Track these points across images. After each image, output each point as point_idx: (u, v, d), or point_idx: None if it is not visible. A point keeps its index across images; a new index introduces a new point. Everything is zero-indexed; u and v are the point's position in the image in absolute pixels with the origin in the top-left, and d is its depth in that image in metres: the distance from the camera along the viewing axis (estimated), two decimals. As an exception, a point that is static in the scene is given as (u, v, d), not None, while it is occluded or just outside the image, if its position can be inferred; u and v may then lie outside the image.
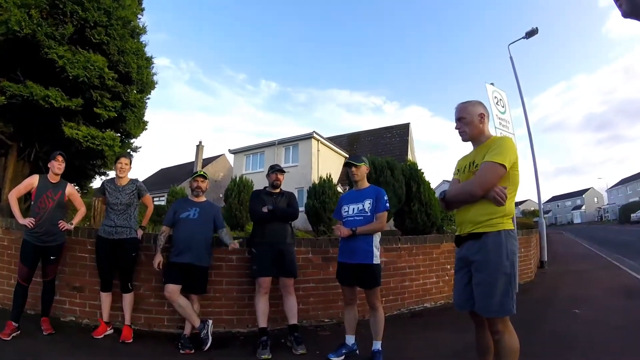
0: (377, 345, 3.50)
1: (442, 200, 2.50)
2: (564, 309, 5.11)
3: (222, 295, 4.46)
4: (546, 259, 9.75)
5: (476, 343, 2.52)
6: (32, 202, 3.99)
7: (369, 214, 3.56)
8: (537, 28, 10.53)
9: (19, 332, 3.76)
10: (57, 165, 4.06)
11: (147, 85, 11.62)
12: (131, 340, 3.91)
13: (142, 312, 4.34)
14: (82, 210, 4.33)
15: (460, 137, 2.56)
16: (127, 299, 4.08)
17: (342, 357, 3.59)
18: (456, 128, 2.56)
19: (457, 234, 2.53)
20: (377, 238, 3.60)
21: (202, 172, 4.39)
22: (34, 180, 4.05)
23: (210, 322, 3.99)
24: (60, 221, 4.02)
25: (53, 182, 4.07)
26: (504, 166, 2.24)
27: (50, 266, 4.02)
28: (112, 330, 4.09)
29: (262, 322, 3.89)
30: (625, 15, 1.58)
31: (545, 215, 13.83)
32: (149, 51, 11.82)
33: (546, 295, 6.23)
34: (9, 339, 3.63)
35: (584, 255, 12.42)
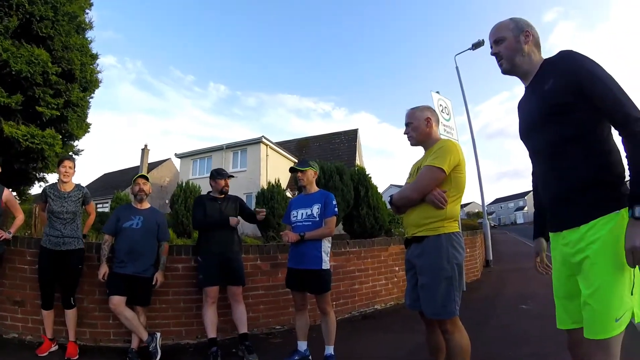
0: (330, 350, 3.45)
1: (391, 204, 2.52)
2: (512, 305, 5.34)
3: (169, 307, 4.27)
4: (491, 258, 10.22)
5: (427, 343, 2.56)
6: None
7: (317, 219, 3.51)
8: (483, 40, 11.08)
9: None
10: None
11: (90, 83, 11.07)
12: (77, 357, 3.65)
13: (87, 327, 4.07)
14: (20, 218, 3.94)
15: (408, 142, 2.60)
16: (70, 315, 3.77)
17: None
18: (404, 133, 2.60)
19: (405, 236, 2.57)
20: (326, 243, 3.53)
21: (142, 174, 4.16)
22: None
23: (159, 334, 3.80)
24: None
25: None
26: (442, 170, 2.26)
27: None
28: (56, 347, 3.80)
29: (211, 333, 3.79)
30: (505, 72, 1.87)
31: (489, 217, 14.48)
32: (94, 48, 11.30)
33: (493, 292, 6.49)
34: None
35: (527, 253, 13.07)
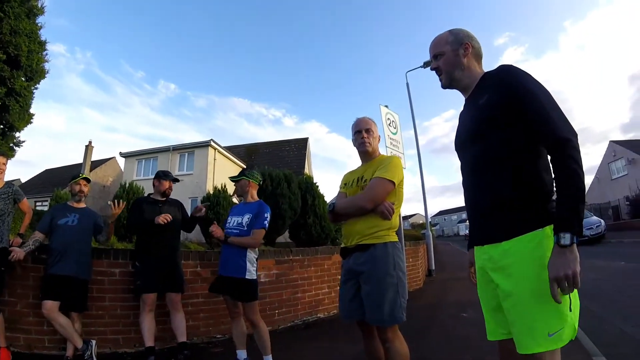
0: (268, 359, 3.41)
1: (331, 213, 2.52)
2: (453, 313, 5.52)
3: (106, 313, 4.05)
4: (434, 268, 10.56)
5: (366, 352, 2.56)
6: None
7: (245, 228, 3.50)
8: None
9: None
10: None
11: (36, 73, 10.31)
12: None
13: (21, 332, 3.79)
14: None
15: (362, 147, 2.61)
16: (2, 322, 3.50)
17: None
18: (362, 138, 2.59)
19: (343, 245, 2.57)
20: (251, 254, 3.49)
21: (84, 175, 4.01)
22: None
23: (94, 342, 3.63)
24: None
25: None
26: (393, 183, 2.36)
27: None
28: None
29: (149, 341, 3.68)
30: (444, 87, 1.86)
31: (433, 228, 14.98)
32: (44, 35, 10.53)
33: (435, 301, 6.69)
34: None
35: (468, 263, 13.66)
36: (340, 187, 2.73)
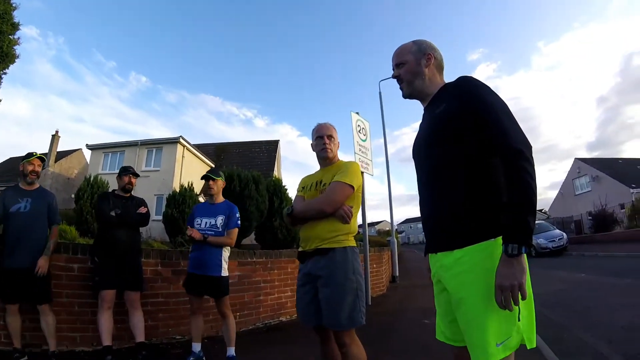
0: (232, 351, 3.62)
1: (289, 216, 2.50)
2: (415, 320, 5.59)
3: (63, 310, 3.90)
4: (397, 274, 10.68)
5: (322, 357, 2.57)
6: None
7: (220, 229, 3.71)
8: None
9: None
10: None
11: (7, 56, 9.71)
12: None
13: None
14: None
15: (323, 153, 2.62)
16: None
17: None
18: (323, 144, 2.61)
19: (301, 249, 2.56)
20: (226, 252, 3.74)
21: (37, 154, 3.75)
22: None
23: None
24: None
25: None
26: (353, 187, 2.40)
27: None
28: None
29: (107, 340, 3.62)
30: (405, 96, 1.89)
31: (399, 235, 15.15)
32: (17, 16, 9.91)
33: (398, 307, 6.77)
34: None
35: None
36: (298, 191, 2.74)
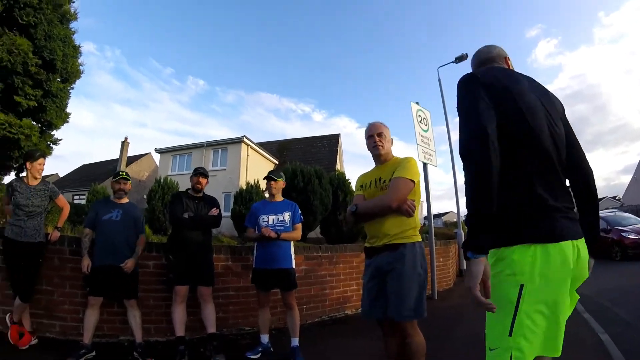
0: (295, 341, 3.75)
1: (353, 214, 2.59)
2: (481, 314, 5.41)
3: (138, 303, 4.18)
4: (465, 268, 10.30)
5: (386, 350, 2.62)
6: None
7: (288, 224, 3.92)
8: (466, 54, 11.39)
9: None
10: None
11: (71, 74, 10.77)
12: (25, 346, 3.66)
13: (57, 320, 4.03)
14: None
15: (375, 151, 2.71)
16: (23, 306, 3.73)
17: (259, 354, 3.82)
18: (374, 142, 2.69)
19: (368, 245, 2.64)
20: (292, 246, 3.96)
21: (124, 174, 4.15)
22: None
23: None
24: None
25: None
26: (414, 182, 2.47)
27: None
28: (36, 340, 3.80)
29: (180, 331, 3.82)
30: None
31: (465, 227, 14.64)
32: (77, 39, 10.99)
33: (464, 302, 6.56)
34: None
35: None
36: (356, 189, 2.83)
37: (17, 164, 11.61)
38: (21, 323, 3.76)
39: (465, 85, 1.56)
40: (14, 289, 3.73)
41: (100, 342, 3.94)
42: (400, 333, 2.44)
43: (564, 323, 1.44)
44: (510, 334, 1.38)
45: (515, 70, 1.79)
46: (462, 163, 1.43)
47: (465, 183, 1.40)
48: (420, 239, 2.55)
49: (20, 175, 3.93)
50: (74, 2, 10.85)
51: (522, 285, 1.37)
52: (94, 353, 3.68)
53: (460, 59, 11.56)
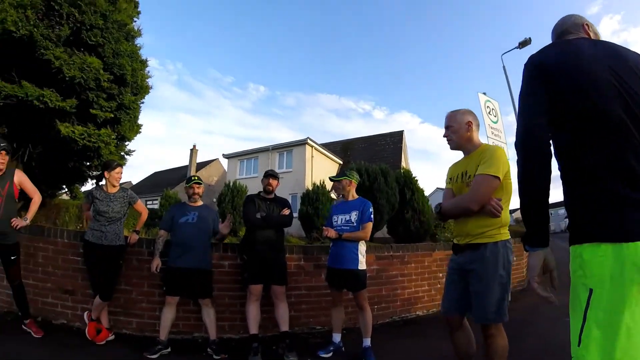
0: (367, 342, 3.74)
1: (438, 213, 2.55)
2: (555, 317, 5.10)
3: (214, 302, 4.38)
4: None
5: (456, 349, 2.60)
6: None
7: (355, 224, 3.85)
8: (530, 38, 10.76)
9: None
10: (0, 160, 3.76)
11: (141, 88, 11.53)
12: (103, 342, 3.88)
13: (134, 317, 4.30)
14: (35, 199, 4.04)
15: (448, 145, 2.63)
16: (103, 305, 3.97)
17: (330, 354, 3.86)
18: (444, 136, 2.63)
19: (455, 242, 2.58)
20: (362, 246, 3.86)
21: (196, 179, 4.34)
22: None
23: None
24: (14, 219, 3.74)
25: None
26: (498, 178, 2.29)
27: (11, 268, 3.80)
28: (113, 336, 4.05)
29: (253, 329, 3.90)
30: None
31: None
32: (143, 54, 11.77)
33: (538, 303, 6.22)
34: None
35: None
36: (446, 183, 2.73)
37: (95, 173, 12.65)
38: (99, 320, 4.00)
39: (524, 75, 1.48)
40: (93, 288, 4.02)
41: (175, 339, 4.13)
42: (483, 332, 2.38)
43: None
44: (578, 344, 1.23)
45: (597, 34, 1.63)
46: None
47: (517, 176, 1.41)
48: (506, 237, 2.40)
49: (100, 183, 4.21)
50: (136, 21, 11.60)
51: (591, 290, 1.20)
52: (169, 349, 3.86)
53: (523, 44, 10.91)
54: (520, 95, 1.46)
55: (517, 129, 1.43)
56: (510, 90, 11.10)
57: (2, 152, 3.76)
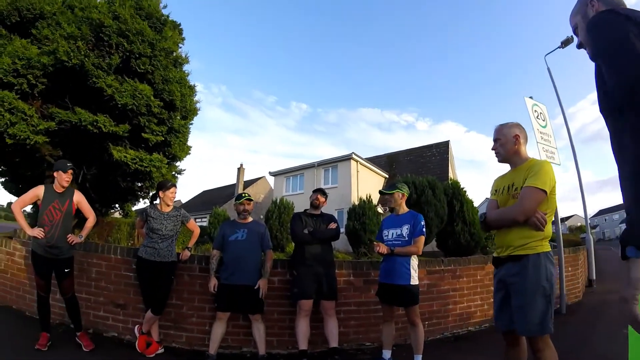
0: (418, 358, 3.67)
1: (482, 223, 2.58)
2: (613, 331, 4.81)
3: (262, 317, 4.40)
4: (594, 277, 9.21)
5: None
6: (39, 213, 3.97)
7: (406, 238, 3.78)
8: (572, 36, 10.28)
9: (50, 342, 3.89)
10: (66, 179, 4.02)
11: (190, 112, 12.14)
12: (152, 355, 4.02)
13: (184, 331, 4.43)
14: (90, 220, 4.27)
15: (496, 158, 2.66)
16: (154, 319, 4.13)
17: None
18: (492, 149, 2.66)
19: (495, 255, 2.58)
20: (414, 261, 3.79)
21: (247, 195, 4.45)
22: (39, 191, 3.99)
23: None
24: (69, 235, 3.98)
25: (59, 192, 4.03)
26: (545, 192, 2.30)
27: (65, 281, 4.00)
28: (162, 350, 4.18)
29: (303, 344, 3.93)
30: (579, 47, 1.53)
31: (592, 231, 13.05)
32: (191, 80, 12.41)
33: (594, 316, 5.90)
34: (45, 349, 3.79)
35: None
36: (491, 194, 2.73)
37: (146, 193, 13.26)
38: (149, 334, 4.17)
39: (606, 22, 1.22)
40: (146, 303, 4.20)
41: (224, 353, 4.22)
42: (531, 347, 2.34)
43: None
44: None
45: None
46: (611, 122, 1.11)
47: (630, 145, 1.04)
48: (548, 249, 2.39)
49: (154, 202, 4.43)
50: (181, 47, 12.22)
51: None
52: None
53: (566, 42, 10.40)
54: (612, 42, 1.17)
55: (615, 77, 1.13)
56: (557, 91, 10.63)
57: (68, 171, 4.05)
